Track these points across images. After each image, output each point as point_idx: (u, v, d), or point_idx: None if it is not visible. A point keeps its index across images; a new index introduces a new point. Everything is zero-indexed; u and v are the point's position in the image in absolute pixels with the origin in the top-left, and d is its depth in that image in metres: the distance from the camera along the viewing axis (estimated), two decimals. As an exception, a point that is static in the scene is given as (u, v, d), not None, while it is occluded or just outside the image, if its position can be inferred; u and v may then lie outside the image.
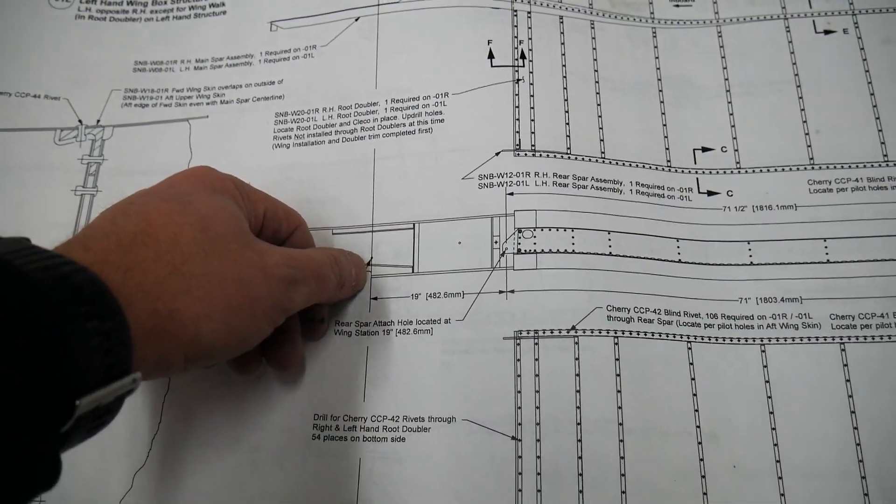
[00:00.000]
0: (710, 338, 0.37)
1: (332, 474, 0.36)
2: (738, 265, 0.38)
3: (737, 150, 0.41)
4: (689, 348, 0.36)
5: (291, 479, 0.36)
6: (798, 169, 0.40)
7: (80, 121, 0.45)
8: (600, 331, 0.36)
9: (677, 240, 0.39)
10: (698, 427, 0.35)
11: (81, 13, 0.48)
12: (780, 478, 0.34)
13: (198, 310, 0.26)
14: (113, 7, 0.48)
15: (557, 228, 0.38)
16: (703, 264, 0.38)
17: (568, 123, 0.41)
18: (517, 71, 0.41)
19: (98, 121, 0.45)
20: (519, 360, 0.36)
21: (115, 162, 0.44)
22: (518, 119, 0.40)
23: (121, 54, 0.47)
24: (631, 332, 0.36)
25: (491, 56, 0.42)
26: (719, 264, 0.38)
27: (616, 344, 0.36)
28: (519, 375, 0.36)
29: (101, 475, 0.36)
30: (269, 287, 0.29)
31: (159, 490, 0.37)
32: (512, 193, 0.39)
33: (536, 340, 0.36)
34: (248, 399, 0.37)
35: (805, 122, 0.41)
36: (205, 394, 0.38)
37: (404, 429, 0.36)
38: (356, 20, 0.45)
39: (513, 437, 0.35)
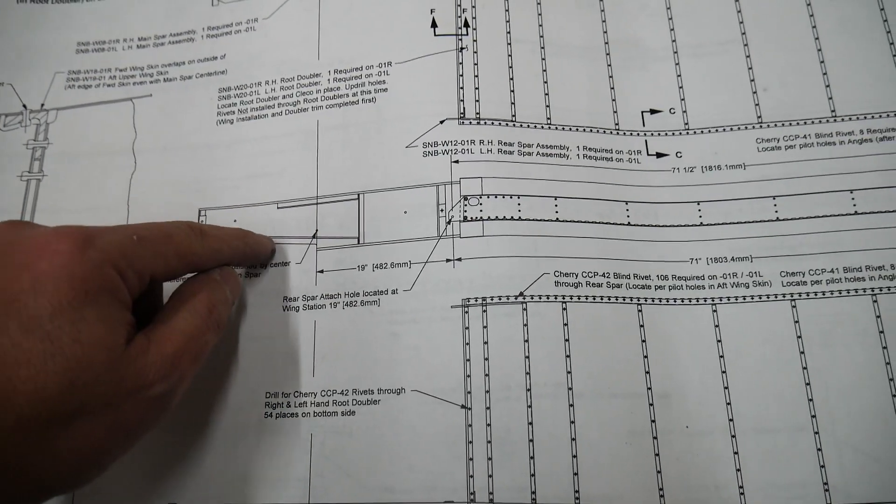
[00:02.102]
0: (660, 299, 0.37)
1: (284, 451, 0.36)
2: (688, 226, 0.38)
3: (685, 112, 0.40)
4: (640, 311, 0.36)
5: (244, 458, 0.36)
6: (746, 128, 0.40)
7: (24, 105, 0.44)
8: (548, 296, 0.36)
9: (626, 203, 0.38)
10: (650, 389, 0.35)
11: (24, -4, 0.47)
12: (734, 436, 0.34)
13: (64, 473, 0.25)
14: (55, -11, 0.47)
15: (503, 195, 0.38)
16: (652, 226, 0.38)
17: (513, 90, 0.40)
18: (461, 39, 0.41)
19: (42, 105, 0.44)
20: (467, 328, 0.36)
21: (61, 145, 0.43)
22: (462, 87, 0.40)
23: (64, 36, 0.46)
24: (579, 297, 0.36)
25: (434, 25, 0.41)
26: (669, 226, 0.38)
27: (564, 309, 0.36)
28: (468, 343, 0.35)
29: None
30: (146, 415, 0.27)
31: (113, 472, 0.36)
32: (457, 161, 0.38)
33: (484, 308, 0.36)
34: (199, 380, 0.37)
35: (753, 80, 0.41)
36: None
37: (354, 402, 0.36)
38: (298, -9, 0.44)
39: (462, 406, 0.35)
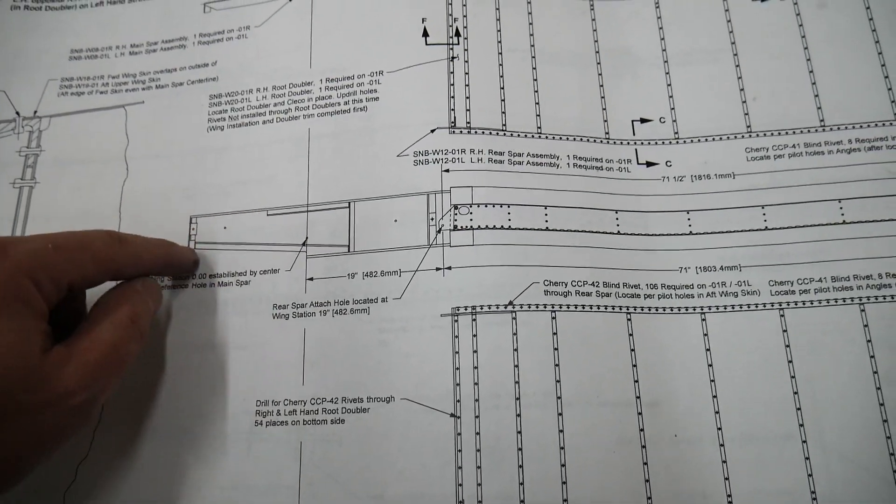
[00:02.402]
0: (649, 308, 0.37)
1: (273, 459, 0.36)
2: (678, 235, 0.38)
3: (675, 121, 0.41)
4: (629, 319, 0.36)
5: (234, 466, 0.36)
6: (736, 137, 0.40)
7: (17, 113, 0.44)
8: (538, 305, 0.36)
9: (616, 212, 0.39)
10: (638, 397, 0.35)
11: (17, 4, 0.47)
12: (722, 444, 0.34)
13: None
14: (48, -4, 0.47)
15: (493, 205, 0.38)
16: (642, 235, 0.38)
17: (503, 100, 0.40)
18: (452, 49, 0.41)
19: (35, 112, 0.44)
20: (457, 336, 0.36)
21: (53, 152, 0.43)
22: (453, 96, 0.40)
23: (57, 43, 0.46)
24: (569, 306, 0.36)
25: (425, 34, 0.41)
26: (658, 234, 0.38)
27: (553, 318, 0.36)
28: (457, 352, 0.35)
29: (45, 468, 0.36)
30: (66, 423, 0.28)
31: (103, 480, 0.36)
32: (448, 170, 0.38)
33: (474, 316, 0.36)
34: (189, 388, 0.37)
35: (742, 89, 0.41)
36: (146, 384, 0.37)
37: (344, 410, 0.36)
38: (290, 0, 0.44)
39: (452, 415, 0.35)
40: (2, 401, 0.25)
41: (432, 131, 0.39)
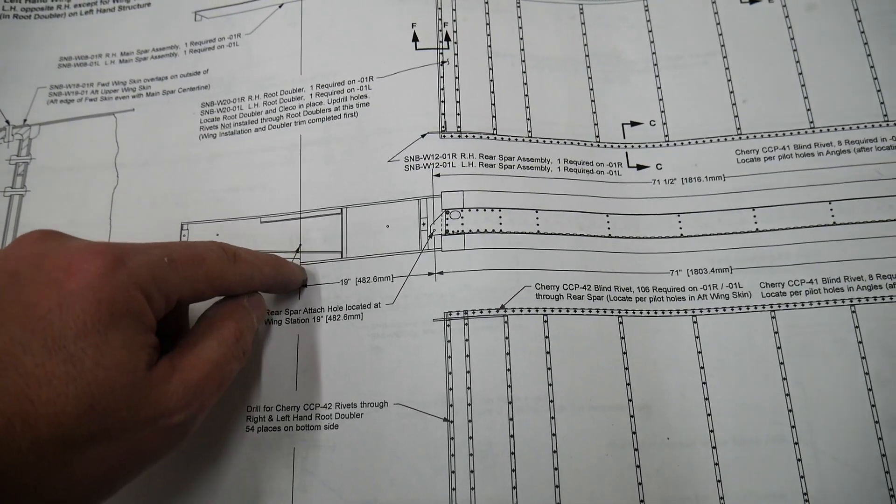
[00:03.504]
0: (641, 311, 0.37)
1: (266, 465, 0.35)
2: (669, 237, 0.38)
3: (665, 124, 0.41)
4: (621, 322, 0.36)
5: (226, 472, 0.36)
6: (726, 139, 0.40)
7: (7, 121, 0.44)
8: (529, 309, 0.36)
9: (607, 215, 0.39)
10: (630, 400, 0.35)
11: (6, 12, 0.47)
12: (714, 447, 0.34)
13: (76, 495, 0.24)
14: (38, 4, 0.47)
15: (485, 209, 0.38)
16: (633, 238, 0.38)
17: (494, 104, 0.40)
18: (442, 53, 0.41)
19: (25, 120, 0.44)
20: (449, 341, 0.36)
21: (43, 160, 0.43)
22: (443, 101, 0.40)
23: (46, 51, 0.46)
24: (560, 310, 0.36)
25: (415, 39, 0.42)
26: (650, 237, 0.38)
27: (545, 321, 0.36)
28: (450, 357, 0.35)
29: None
30: (164, 442, 0.27)
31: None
32: (438, 175, 0.38)
33: (466, 321, 0.36)
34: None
35: (732, 92, 0.41)
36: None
37: (337, 415, 0.36)
38: (280, 7, 0.44)
39: (445, 419, 0.35)
40: (105, 418, 0.24)
41: (423, 136, 0.39)
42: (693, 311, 0.37)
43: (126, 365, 0.25)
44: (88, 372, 0.24)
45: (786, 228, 0.38)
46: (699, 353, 0.36)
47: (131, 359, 0.25)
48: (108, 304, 0.25)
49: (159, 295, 0.27)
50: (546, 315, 0.36)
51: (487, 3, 0.43)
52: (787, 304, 0.36)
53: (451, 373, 0.35)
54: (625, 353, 0.36)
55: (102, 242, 0.27)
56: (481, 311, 0.36)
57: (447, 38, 0.42)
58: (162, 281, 0.28)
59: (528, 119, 0.40)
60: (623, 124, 0.41)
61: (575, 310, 0.36)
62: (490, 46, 0.42)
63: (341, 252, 0.38)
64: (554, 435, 0.34)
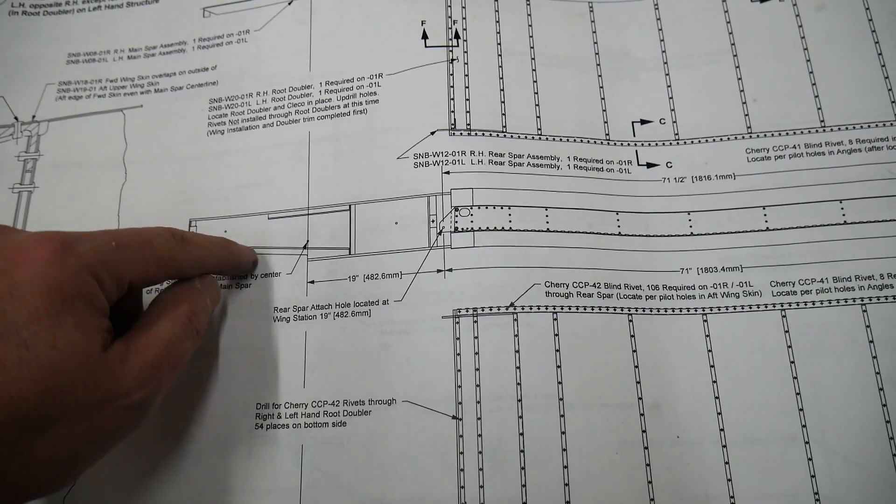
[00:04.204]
0: (651, 309, 0.37)
1: (274, 462, 0.35)
2: (679, 236, 0.38)
3: (675, 122, 0.41)
4: (631, 321, 0.36)
5: (234, 469, 0.35)
6: (736, 138, 0.40)
7: (16, 118, 0.44)
8: (539, 307, 0.36)
9: (617, 213, 0.38)
10: (640, 399, 0.35)
11: (15, 9, 0.47)
12: (724, 446, 0.34)
13: (39, 478, 0.25)
14: (46, 1, 0.47)
15: (494, 206, 0.38)
16: (643, 236, 0.38)
17: (503, 102, 0.40)
18: (451, 51, 0.41)
19: (34, 116, 0.44)
20: (458, 338, 0.36)
21: (51, 157, 0.43)
22: (453, 99, 0.40)
23: (54, 47, 0.46)
24: (570, 307, 0.36)
25: (425, 36, 0.41)
26: (660, 236, 0.38)
27: (555, 319, 0.36)
28: (458, 354, 0.35)
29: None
30: (122, 422, 0.27)
31: (103, 485, 0.36)
32: (448, 172, 0.38)
33: (475, 318, 0.36)
34: (190, 391, 0.37)
35: (742, 91, 0.41)
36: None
37: (345, 413, 0.36)
38: (289, 3, 0.44)
39: (453, 417, 0.34)
40: (61, 399, 0.24)
41: (432, 133, 0.39)
42: (703, 309, 0.37)
43: (80, 346, 0.25)
44: (42, 355, 0.24)
45: (796, 227, 0.38)
46: (709, 351, 0.36)
47: (85, 340, 0.25)
48: (59, 289, 0.25)
49: (109, 278, 0.28)
50: (556, 313, 0.36)
51: (497, 0, 0.43)
52: (797, 304, 0.36)
53: (460, 370, 0.35)
54: (635, 351, 0.36)
55: (49, 231, 0.27)
56: (491, 308, 0.36)
57: (457, 36, 0.41)
58: (111, 264, 0.28)
59: (538, 117, 0.40)
60: (633, 122, 0.41)
61: (585, 308, 0.36)
62: (500, 44, 0.42)
63: (349, 249, 0.38)
64: (563, 433, 0.34)
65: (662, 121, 0.41)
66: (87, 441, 0.26)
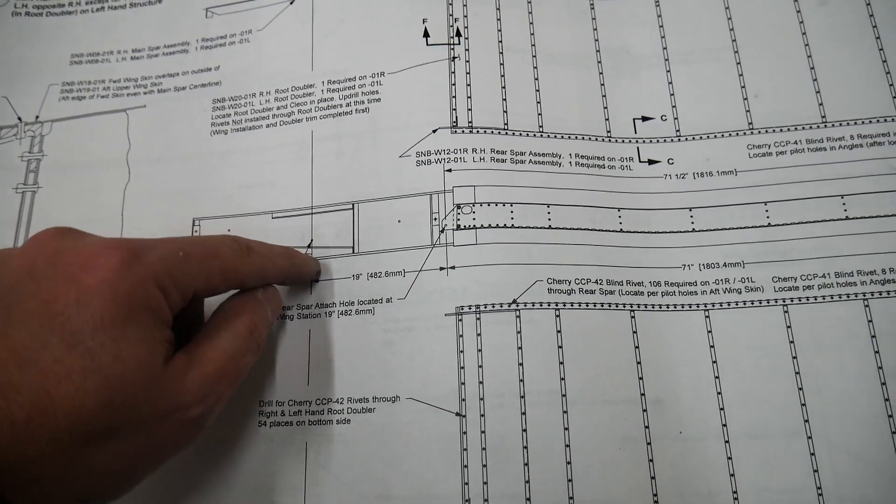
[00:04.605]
0: (653, 305, 0.37)
1: (279, 460, 0.36)
2: (681, 232, 0.38)
3: (676, 119, 0.41)
4: (633, 317, 0.36)
5: (238, 467, 0.36)
6: (737, 134, 0.40)
7: (19, 118, 0.44)
8: (541, 304, 0.36)
9: (618, 210, 0.39)
10: (643, 395, 0.35)
11: (18, 10, 0.48)
12: (727, 441, 0.34)
13: (95, 488, 0.25)
14: (50, 1, 0.48)
15: (496, 203, 0.38)
16: (645, 233, 0.38)
17: (505, 99, 0.40)
18: (453, 49, 0.41)
19: (37, 117, 0.44)
20: (461, 335, 0.36)
21: (55, 157, 0.43)
22: (454, 96, 0.40)
23: (58, 48, 0.46)
24: (572, 304, 0.36)
25: (426, 35, 0.42)
26: (661, 232, 0.38)
27: (557, 316, 0.36)
28: (462, 351, 0.35)
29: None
30: (181, 435, 0.27)
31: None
32: (450, 170, 0.38)
33: (478, 315, 0.36)
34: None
35: (744, 87, 0.41)
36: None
37: (349, 410, 0.36)
38: (291, 3, 0.44)
39: (457, 414, 0.35)
40: (123, 411, 0.24)
41: (434, 131, 0.39)
42: (705, 305, 0.37)
43: (143, 359, 0.25)
44: (106, 366, 0.24)
45: (798, 223, 0.38)
46: (711, 347, 0.36)
47: (149, 353, 0.25)
48: (126, 298, 0.25)
49: (175, 289, 0.28)
50: (558, 309, 0.36)
51: (498, -2, 0.43)
52: (799, 299, 0.36)
53: (463, 367, 0.35)
54: (637, 347, 0.36)
55: (118, 238, 0.27)
56: (493, 305, 0.36)
57: (458, 34, 0.42)
58: (177, 275, 0.28)
59: (540, 114, 0.40)
60: (634, 119, 0.41)
61: (587, 304, 0.36)
62: (501, 42, 0.42)
63: (353, 247, 0.38)
64: (566, 429, 0.34)
65: (664, 117, 0.41)
66: (146, 453, 0.26)
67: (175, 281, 0.27)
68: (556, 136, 0.40)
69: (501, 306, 0.36)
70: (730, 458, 0.34)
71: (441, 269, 0.37)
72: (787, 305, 0.36)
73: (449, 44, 0.41)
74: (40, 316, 0.23)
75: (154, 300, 0.26)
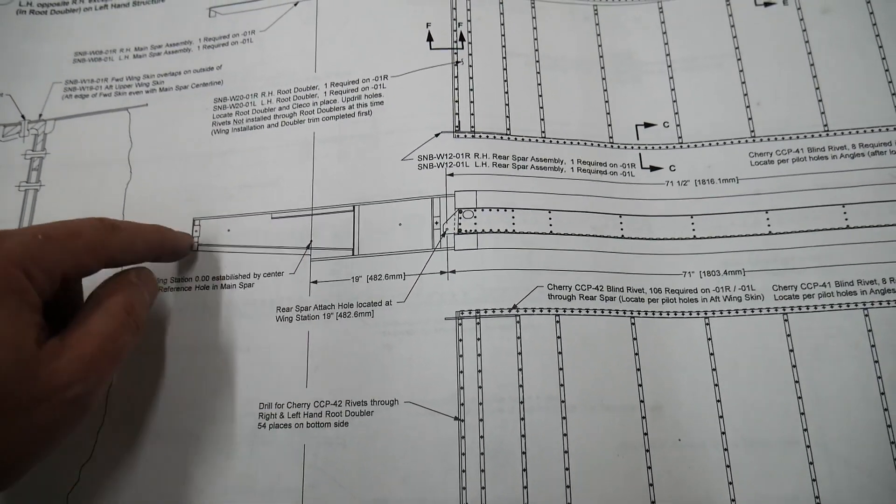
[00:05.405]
0: (653, 312, 0.37)
1: (277, 462, 0.35)
2: (682, 239, 0.38)
3: (679, 125, 0.41)
4: (633, 323, 0.36)
5: (237, 468, 0.36)
6: (739, 142, 0.40)
7: (23, 116, 0.44)
8: (542, 309, 0.36)
9: (620, 216, 0.39)
10: (642, 401, 0.35)
11: (23, 8, 0.47)
12: (726, 449, 0.34)
13: None
14: (53, 0, 0.48)
15: (497, 208, 0.38)
16: (646, 239, 0.38)
17: (508, 104, 0.40)
18: (456, 53, 0.41)
19: (40, 115, 0.44)
20: (461, 340, 0.36)
21: (58, 155, 0.43)
22: (457, 101, 0.40)
23: (61, 46, 0.46)
24: (573, 310, 0.36)
25: (430, 39, 0.42)
26: (662, 239, 0.38)
27: (558, 322, 0.36)
28: (461, 355, 0.35)
29: (48, 470, 0.36)
30: (64, 417, 0.27)
31: (106, 482, 0.36)
32: (452, 174, 0.38)
33: (478, 320, 0.36)
34: (192, 390, 0.37)
35: (746, 94, 0.41)
36: (149, 386, 0.37)
37: (347, 413, 0.36)
38: (295, 4, 0.44)
39: (456, 418, 0.35)
40: (4, 399, 0.24)
41: (437, 135, 0.39)
42: (705, 312, 0.37)
43: (12, 341, 0.25)
44: None
45: (799, 231, 0.38)
46: (711, 354, 0.36)
47: (17, 335, 0.26)
48: None
49: (39, 271, 0.28)
50: (558, 315, 0.36)
51: (502, 3, 0.43)
52: (799, 307, 0.36)
53: (462, 372, 0.35)
54: (637, 353, 0.36)
55: None
56: (493, 310, 0.36)
57: (461, 38, 0.42)
58: (39, 257, 0.28)
59: (542, 119, 0.40)
60: (636, 125, 0.41)
61: (587, 310, 0.36)
62: (504, 46, 0.42)
63: (353, 249, 0.38)
64: (565, 435, 0.34)
65: (666, 124, 0.41)
66: (26, 438, 0.26)
67: (39, 263, 0.27)
68: (558, 142, 0.40)
69: (501, 311, 0.36)
70: (728, 466, 0.34)
71: (441, 272, 0.37)
72: (787, 314, 0.36)
73: (452, 48, 0.41)
74: None
75: (16, 283, 0.26)
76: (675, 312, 0.37)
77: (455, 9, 0.42)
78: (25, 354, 0.26)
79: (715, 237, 0.38)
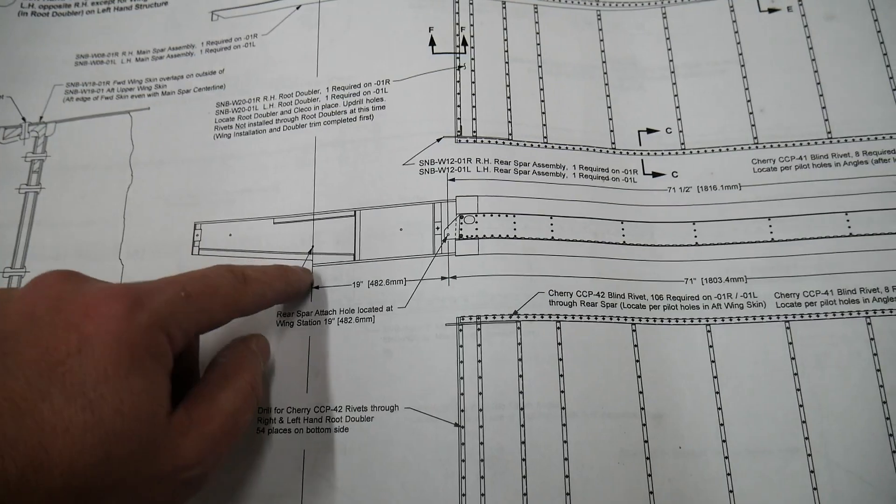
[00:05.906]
0: (655, 319, 0.37)
1: (276, 467, 0.35)
2: (684, 246, 0.38)
3: (681, 131, 0.41)
4: (634, 330, 0.36)
5: (236, 473, 0.36)
6: (742, 148, 0.40)
7: (23, 118, 0.44)
8: (542, 315, 0.36)
9: (622, 222, 0.38)
10: (643, 409, 0.35)
11: (24, 10, 0.47)
12: (727, 457, 0.34)
13: None
14: (55, 2, 0.48)
15: (499, 214, 0.38)
16: (648, 246, 0.38)
17: (510, 109, 0.40)
18: (458, 58, 0.41)
19: (41, 117, 0.44)
20: (461, 346, 0.36)
21: (58, 158, 0.43)
22: (459, 106, 0.40)
23: (63, 48, 0.46)
24: (574, 316, 0.36)
25: (432, 43, 0.41)
26: (664, 245, 0.38)
27: (558, 328, 0.36)
28: (461, 361, 0.35)
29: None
30: (176, 496, 0.26)
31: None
32: (453, 179, 0.38)
33: (479, 326, 0.36)
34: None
35: (749, 101, 0.41)
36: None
37: (347, 418, 0.36)
38: (297, 8, 0.44)
39: (456, 424, 0.34)
40: (121, 469, 0.23)
41: (438, 140, 0.39)
42: (707, 320, 0.37)
43: (146, 413, 0.24)
44: (107, 421, 0.23)
45: (802, 239, 0.38)
46: (713, 362, 0.36)
47: (152, 406, 0.24)
48: (129, 347, 0.24)
49: (179, 332, 0.27)
50: (559, 322, 0.36)
51: (505, 7, 0.43)
52: (801, 315, 0.36)
53: (462, 378, 0.35)
54: (638, 360, 0.36)
55: (121, 284, 0.26)
56: (494, 316, 0.36)
57: (464, 43, 0.42)
58: (181, 317, 0.27)
59: (544, 125, 0.40)
60: (639, 131, 0.41)
61: (588, 317, 0.36)
62: (507, 52, 0.42)
63: (354, 255, 0.38)
64: (565, 442, 0.34)
65: (669, 130, 0.41)
66: None
67: (180, 324, 0.27)
68: (560, 147, 0.40)
69: (502, 317, 0.36)
70: (729, 474, 0.34)
71: (442, 278, 0.37)
72: (788, 321, 0.36)
73: (455, 53, 0.41)
74: (39, 365, 0.22)
75: (159, 347, 0.25)
76: (677, 319, 0.37)
77: (458, 13, 0.42)
78: (156, 429, 0.24)
79: (717, 244, 0.38)
